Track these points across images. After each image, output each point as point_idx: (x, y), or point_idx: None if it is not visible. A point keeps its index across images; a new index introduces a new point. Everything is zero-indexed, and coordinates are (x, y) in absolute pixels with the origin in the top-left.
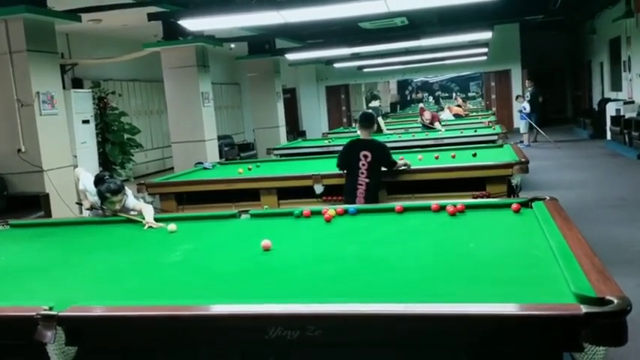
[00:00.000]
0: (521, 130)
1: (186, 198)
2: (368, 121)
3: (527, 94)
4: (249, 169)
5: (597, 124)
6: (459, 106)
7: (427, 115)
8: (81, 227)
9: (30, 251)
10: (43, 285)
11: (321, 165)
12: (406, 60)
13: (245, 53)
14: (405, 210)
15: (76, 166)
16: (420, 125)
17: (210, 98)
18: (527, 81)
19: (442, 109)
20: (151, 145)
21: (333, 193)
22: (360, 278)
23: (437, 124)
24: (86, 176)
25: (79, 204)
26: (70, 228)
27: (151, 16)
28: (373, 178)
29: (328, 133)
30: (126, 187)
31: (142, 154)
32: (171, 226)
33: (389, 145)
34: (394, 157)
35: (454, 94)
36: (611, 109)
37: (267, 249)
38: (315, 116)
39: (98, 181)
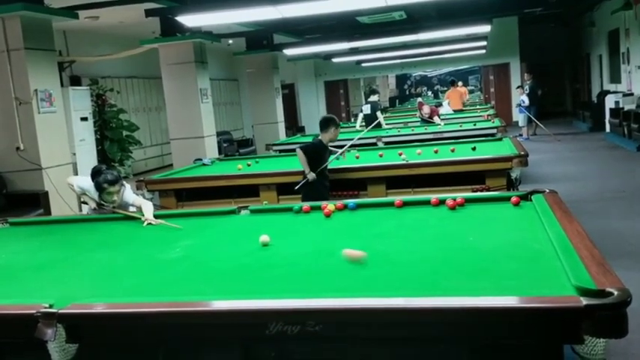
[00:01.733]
0: (520, 124)
1: (185, 194)
2: (321, 124)
3: (526, 87)
4: (249, 165)
5: (596, 117)
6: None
7: (426, 110)
8: (80, 225)
9: (29, 249)
10: (43, 283)
11: None
12: (405, 54)
13: (243, 49)
14: (405, 204)
15: (75, 171)
16: (419, 119)
17: (209, 94)
18: (525, 74)
19: (441, 105)
20: (150, 141)
21: (332, 188)
22: (360, 273)
23: (436, 119)
24: (80, 179)
25: (85, 202)
26: (69, 225)
27: (149, 13)
28: (303, 175)
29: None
30: (123, 181)
31: (141, 151)
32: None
33: (388, 139)
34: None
35: (456, 84)
36: (610, 102)
37: (265, 244)
38: (314, 111)
39: (95, 173)
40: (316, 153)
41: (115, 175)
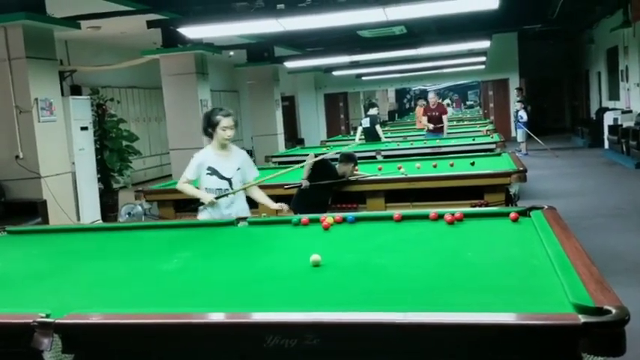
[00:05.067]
0: (519, 139)
1: (184, 205)
2: (343, 156)
3: (517, 104)
4: None
5: (595, 133)
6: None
7: (434, 107)
8: (78, 234)
9: (27, 258)
10: (40, 292)
11: None
12: (404, 68)
13: (244, 61)
14: (404, 218)
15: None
16: (424, 131)
17: (209, 105)
18: (515, 90)
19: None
20: (150, 152)
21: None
22: (358, 286)
23: (445, 119)
24: (188, 167)
25: (199, 205)
26: (67, 235)
27: (151, 24)
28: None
29: (327, 141)
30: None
31: (140, 161)
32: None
33: (388, 153)
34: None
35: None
36: (608, 119)
37: (316, 264)
38: (313, 124)
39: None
40: (324, 169)
41: (229, 110)
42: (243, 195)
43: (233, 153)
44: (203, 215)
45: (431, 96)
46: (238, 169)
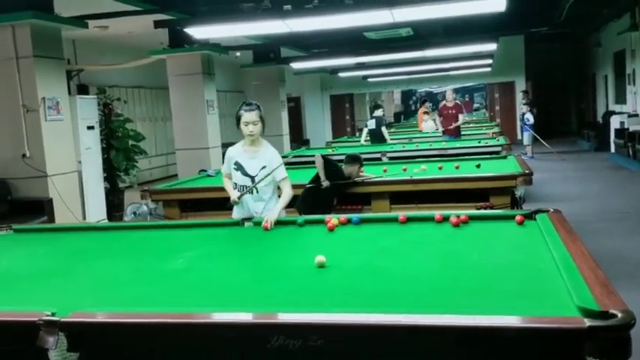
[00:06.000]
0: (525, 142)
1: (189, 205)
2: (349, 157)
3: (522, 106)
4: None
5: (601, 137)
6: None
7: (451, 105)
8: (84, 233)
9: (33, 256)
10: (45, 290)
11: None
12: (411, 70)
13: (250, 61)
14: (409, 220)
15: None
16: (437, 131)
17: (215, 106)
18: (521, 93)
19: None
20: (155, 151)
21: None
22: (363, 288)
23: (461, 118)
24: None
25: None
26: (73, 233)
27: (158, 24)
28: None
29: (332, 142)
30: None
31: (146, 161)
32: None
33: (393, 154)
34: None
35: (423, 103)
36: (615, 122)
37: (321, 264)
38: (319, 125)
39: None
40: (331, 170)
41: (256, 104)
42: (275, 194)
43: (262, 151)
44: (234, 212)
45: (449, 93)
46: (263, 167)
